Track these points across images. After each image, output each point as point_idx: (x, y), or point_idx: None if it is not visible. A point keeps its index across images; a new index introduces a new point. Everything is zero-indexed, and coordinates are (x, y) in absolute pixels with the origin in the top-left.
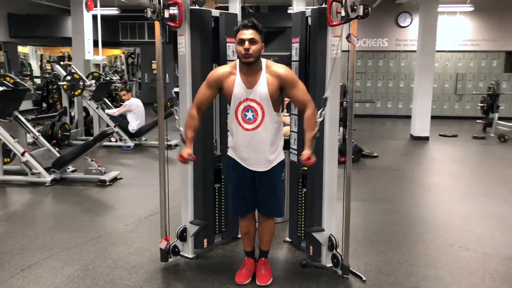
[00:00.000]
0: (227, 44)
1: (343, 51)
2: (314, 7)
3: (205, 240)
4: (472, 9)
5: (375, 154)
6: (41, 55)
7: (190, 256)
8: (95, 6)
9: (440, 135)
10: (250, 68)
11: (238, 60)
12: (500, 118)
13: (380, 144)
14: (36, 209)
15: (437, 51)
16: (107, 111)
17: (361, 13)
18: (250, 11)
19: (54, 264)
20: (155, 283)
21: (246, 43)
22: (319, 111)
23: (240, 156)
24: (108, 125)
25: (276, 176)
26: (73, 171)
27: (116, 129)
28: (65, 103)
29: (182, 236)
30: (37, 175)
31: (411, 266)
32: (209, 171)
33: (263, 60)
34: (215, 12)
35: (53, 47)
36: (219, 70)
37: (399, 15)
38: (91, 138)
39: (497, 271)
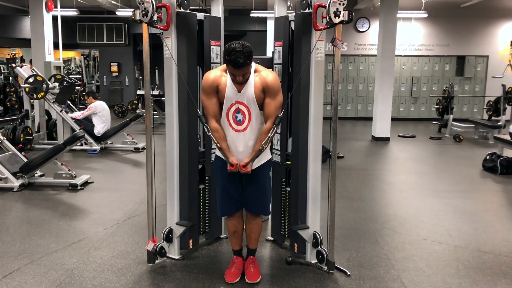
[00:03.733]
0: (211, 47)
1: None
2: (298, 12)
3: (191, 241)
4: (426, 15)
5: (341, 155)
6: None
7: (176, 257)
8: (55, 7)
9: (399, 136)
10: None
11: (226, 64)
12: (453, 120)
13: (344, 145)
14: (7, 215)
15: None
16: (71, 114)
17: (346, 18)
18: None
19: (37, 270)
20: (145, 284)
21: (239, 77)
22: (272, 129)
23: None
24: (73, 129)
25: (262, 174)
26: (41, 176)
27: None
28: (27, 106)
29: (168, 237)
30: (4, 180)
31: (390, 260)
32: (195, 168)
33: (253, 65)
34: (200, 15)
35: (3, 47)
36: (211, 75)
37: (357, 20)
38: (55, 142)
39: (469, 262)
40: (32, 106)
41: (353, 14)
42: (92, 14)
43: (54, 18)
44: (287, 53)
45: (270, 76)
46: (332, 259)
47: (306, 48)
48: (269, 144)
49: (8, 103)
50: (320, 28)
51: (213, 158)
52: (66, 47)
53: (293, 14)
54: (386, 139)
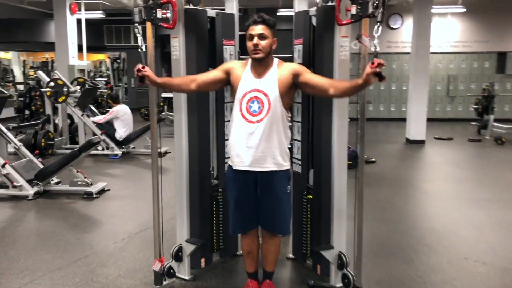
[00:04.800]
0: (224, 46)
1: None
2: (319, 5)
3: (203, 260)
4: (463, 10)
5: (373, 160)
6: (24, 61)
7: (187, 277)
8: (79, 10)
9: (436, 138)
10: (260, 64)
11: (250, 59)
12: (494, 120)
13: (376, 149)
14: (17, 226)
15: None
16: (92, 118)
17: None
18: (239, 14)
19: None
20: None
21: (255, 38)
22: None
23: (238, 154)
24: (94, 133)
25: (280, 186)
26: (57, 183)
27: (103, 137)
28: (48, 110)
29: (178, 256)
30: (19, 188)
31: (426, 284)
32: (207, 179)
33: (275, 59)
34: (211, 12)
35: (35, 52)
36: (232, 62)
37: (390, 16)
38: (77, 146)
39: None
40: (55, 111)
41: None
42: (119, 16)
43: (80, 21)
44: (308, 52)
45: (294, 64)
46: (359, 284)
47: (328, 46)
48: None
49: (33, 107)
50: (343, 22)
51: (226, 168)
52: (93, 49)
53: (315, 8)
54: (421, 142)
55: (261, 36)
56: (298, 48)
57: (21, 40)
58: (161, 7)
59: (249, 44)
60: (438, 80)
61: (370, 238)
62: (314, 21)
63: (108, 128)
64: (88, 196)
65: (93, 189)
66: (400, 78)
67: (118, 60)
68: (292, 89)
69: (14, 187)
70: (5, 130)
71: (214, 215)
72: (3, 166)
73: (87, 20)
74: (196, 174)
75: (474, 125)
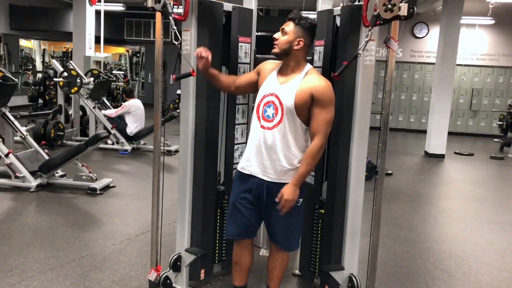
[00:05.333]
0: (240, 44)
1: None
2: (345, 5)
3: (203, 271)
4: (492, 22)
5: (390, 172)
6: (44, 50)
7: None
8: (99, 1)
9: (456, 153)
10: (286, 66)
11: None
12: None
13: (393, 160)
14: (15, 220)
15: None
16: (104, 111)
17: (405, 12)
18: (260, 14)
19: None
20: None
21: (278, 33)
22: (321, 147)
23: (248, 157)
24: (105, 127)
25: None
26: (62, 176)
27: (113, 131)
28: (61, 100)
29: (176, 265)
30: (22, 179)
31: None
32: (212, 184)
33: (308, 66)
34: (228, 6)
35: (56, 41)
36: (266, 62)
37: (415, 25)
38: (86, 138)
39: None
40: (68, 101)
41: (414, 8)
42: (140, 10)
43: (99, 13)
44: (329, 55)
45: (323, 83)
46: None
47: (352, 49)
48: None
49: (47, 97)
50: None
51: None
52: (112, 42)
53: (339, 7)
54: (441, 156)
55: (282, 31)
56: (319, 50)
57: (41, 28)
58: None
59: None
60: (461, 93)
61: (384, 258)
62: (338, 21)
63: (119, 123)
64: (92, 192)
65: (98, 185)
66: (422, 89)
67: (138, 54)
68: (308, 109)
69: (17, 177)
70: (12, 119)
71: (218, 224)
72: (6, 155)
73: (107, 12)
74: (200, 179)
75: (497, 141)
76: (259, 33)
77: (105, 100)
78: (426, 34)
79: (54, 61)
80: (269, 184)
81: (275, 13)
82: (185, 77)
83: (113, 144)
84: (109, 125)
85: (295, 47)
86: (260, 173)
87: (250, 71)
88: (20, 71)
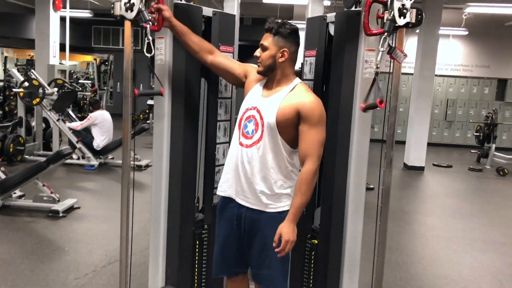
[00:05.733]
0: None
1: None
2: (340, 11)
3: None
4: (466, 33)
5: (371, 186)
6: (6, 57)
7: None
8: (64, 7)
9: (434, 164)
10: (271, 80)
11: None
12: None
13: (372, 173)
14: None
15: (436, 76)
16: (69, 124)
17: (413, 19)
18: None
19: None
20: None
21: (257, 50)
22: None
23: (226, 178)
24: (69, 140)
25: (270, 230)
26: (20, 197)
27: (79, 145)
28: (21, 112)
29: None
30: None
31: None
32: (190, 212)
33: (296, 80)
34: (207, 11)
35: (21, 49)
36: (255, 68)
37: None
38: (50, 153)
39: None
40: (31, 113)
41: (423, 15)
42: (109, 17)
43: (65, 19)
44: (321, 66)
45: (312, 99)
46: None
47: (350, 60)
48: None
49: (6, 108)
50: (374, 32)
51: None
52: (80, 50)
53: (334, 14)
54: (420, 169)
55: (262, 47)
56: (310, 61)
57: (2, 35)
58: (146, 4)
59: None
60: (436, 103)
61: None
62: (331, 29)
63: (85, 136)
64: (54, 214)
65: (60, 206)
66: (397, 99)
67: (106, 63)
68: (294, 128)
69: None
70: None
71: (197, 258)
72: None
73: (74, 19)
74: (177, 208)
75: (474, 153)
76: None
77: (70, 112)
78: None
79: (13, 70)
80: (248, 212)
81: (249, 22)
82: (151, 95)
83: (78, 159)
84: (74, 139)
85: (280, 60)
86: (238, 196)
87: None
88: None
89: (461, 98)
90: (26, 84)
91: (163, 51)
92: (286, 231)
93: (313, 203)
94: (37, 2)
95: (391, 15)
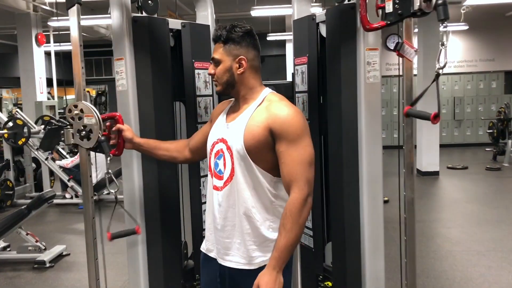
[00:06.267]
0: (196, 71)
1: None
2: (331, 7)
3: None
4: (466, 27)
5: (386, 199)
6: (0, 98)
7: None
8: (47, 42)
9: (449, 167)
10: (237, 100)
11: None
12: None
13: (387, 184)
14: None
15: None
16: (58, 162)
17: (422, 5)
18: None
19: None
20: None
21: (210, 66)
22: (304, 202)
23: (206, 234)
24: (61, 180)
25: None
26: (5, 248)
27: (71, 183)
28: (8, 155)
29: None
30: None
31: None
32: (176, 264)
33: (266, 90)
34: (175, 24)
35: (12, 88)
36: (220, 104)
37: (387, 37)
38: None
39: None
40: (20, 154)
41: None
42: (99, 47)
43: (51, 54)
44: (315, 74)
45: (284, 110)
46: None
47: (348, 64)
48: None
49: None
50: (374, 26)
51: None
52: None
53: (323, 11)
54: (435, 173)
55: (214, 61)
56: (301, 70)
57: None
58: None
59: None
60: (443, 103)
61: None
62: (323, 30)
63: (76, 173)
64: (40, 265)
65: (47, 256)
66: (404, 104)
67: (104, 93)
68: (271, 150)
69: None
70: None
71: None
72: None
73: (63, 53)
74: (158, 259)
75: (489, 151)
76: None
77: (60, 149)
78: None
79: None
80: (230, 271)
81: None
82: (126, 236)
83: (71, 198)
84: (65, 177)
85: (239, 72)
86: (218, 254)
87: (213, 104)
88: None
89: (468, 95)
90: (10, 124)
91: (124, 74)
92: (266, 281)
93: (322, 237)
94: (19, 39)
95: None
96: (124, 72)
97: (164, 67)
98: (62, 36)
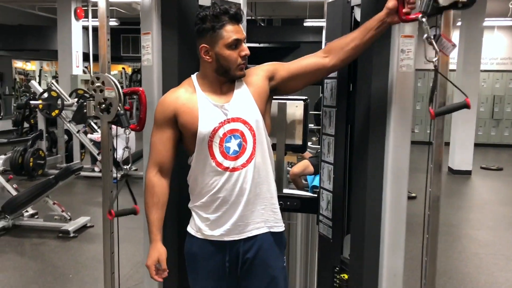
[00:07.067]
0: None
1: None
2: None
3: None
4: None
5: (413, 195)
6: (40, 70)
7: None
8: (86, 17)
9: (482, 167)
10: (227, 83)
11: (194, 76)
12: None
13: (415, 180)
14: None
15: (481, 71)
16: (90, 135)
17: None
18: (262, 24)
19: None
20: None
21: (244, 45)
22: None
23: (209, 217)
24: (91, 153)
25: (275, 259)
26: (32, 216)
27: (100, 157)
28: (42, 125)
29: None
30: None
31: None
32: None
33: None
34: (205, 1)
35: (51, 60)
36: (169, 96)
37: (429, 29)
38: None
39: None
40: (53, 125)
41: None
42: (137, 25)
43: (89, 29)
44: None
45: (257, 67)
46: None
47: (381, 51)
48: None
49: (32, 121)
50: (411, 17)
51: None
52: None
53: None
54: (467, 173)
55: (244, 42)
56: None
57: (31, 47)
58: None
59: (235, 56)
60: (482, 100)
61: None
62: (357, 14)
63: None
64: (64, 235)
65: (71, 226)
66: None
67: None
68: (269, 102)
69: None
70: None
71: None
72: None
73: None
74: (174, 230)
75: None
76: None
77: (92, 123)
78: None
79: (33, 82)
80: (248, 244)
81: (278, 23)
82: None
83: (100, 171)
84: (95, 151)
85: (206, 59)
86: (234, 233)
87: None
88: (13, 93)
89: (509, 94)
90: (45, 95)
91: (149, 49)
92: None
93: (341, 228)
94: (59, 12)
95: None
96: (150, 47)
97: (191, 44)
98: None
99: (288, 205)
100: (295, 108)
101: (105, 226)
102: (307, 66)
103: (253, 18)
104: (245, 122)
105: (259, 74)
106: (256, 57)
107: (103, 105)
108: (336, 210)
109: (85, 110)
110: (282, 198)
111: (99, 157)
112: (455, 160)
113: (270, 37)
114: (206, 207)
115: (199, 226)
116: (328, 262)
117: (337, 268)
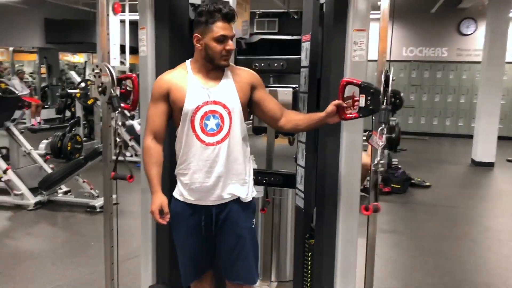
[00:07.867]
0: None
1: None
2: None
3: None
4: None
5: (427, 184)
6: (85, 62)
7: None
8: (123, 11)
9: (508, 160)
10: (214, 69)
11: (188, 61)
12: None
13: (434, 170)
14: None
15: (505, 63)
16: (129, 122)
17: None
18: (295, 17)
19: None
20: None
21: (230, 41)
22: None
23: (195, 188)
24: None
25: (243, 220)
26: (66, 193)
27: (131, 143)
28: (79, 112)
29: None
30: (20, 197)
31: None
32: None
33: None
34: None
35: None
36: (165, 76)
37: (461, 21)
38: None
39: None
40: (91, 113)
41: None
42: None
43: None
44: (315, 51)
45: (248, 70)
46: None
47: (338, 43)
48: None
49: (73, 109)
50: (348, 117)
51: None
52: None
53: None
54: (490, 165)
55: (231, 39)
56: (305, 46)
57: (75, 40)
58: None
59: (219, 48)
60: (503, 93)
61: None
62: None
63: (137, 134)
64: (91, 210)
65: (98, 202)
66: (471, 90)
67: None
68: (248, 102)
69: (16, 194)
70: (16, 133)
71: None
72: (4, 172)
73: (133, 22)
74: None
75: None
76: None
77: (125, 111)
78: (474, 31)
79: (72, 72)
80: (220, 207)
81: (296, 15)
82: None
83: (131, 156)
84: (127, 137)
85: (198, 46)
86: (208, 199)
87: None
88: (60, 83)
89: None
90: (82, 85)
91: (145, 42)
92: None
93: (313, 200)
94: (97, 7)
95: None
96: (145, 40)
97: (180, 38)
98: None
99: (272, 180)
100: (285, 95)
101: (106, 204)
102: (269, 109)
103: (286, 11)
104: (224, 106)
105: (246, 78)
106: (289, 48)
107: (100, 88)
108: (308, 183)
109: (124, 100)
110: (267, 174)
111: (130, 143)
112: (477, 152)
113: (287, 30)
114: (184, 174)
115: (181, 191)
116: (301, 230)
117: (308, 235)
